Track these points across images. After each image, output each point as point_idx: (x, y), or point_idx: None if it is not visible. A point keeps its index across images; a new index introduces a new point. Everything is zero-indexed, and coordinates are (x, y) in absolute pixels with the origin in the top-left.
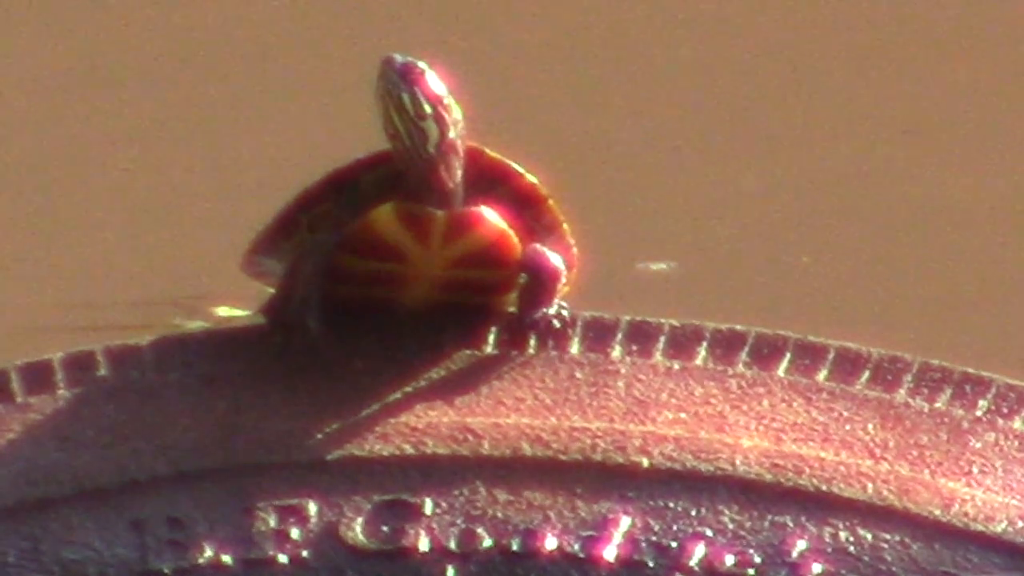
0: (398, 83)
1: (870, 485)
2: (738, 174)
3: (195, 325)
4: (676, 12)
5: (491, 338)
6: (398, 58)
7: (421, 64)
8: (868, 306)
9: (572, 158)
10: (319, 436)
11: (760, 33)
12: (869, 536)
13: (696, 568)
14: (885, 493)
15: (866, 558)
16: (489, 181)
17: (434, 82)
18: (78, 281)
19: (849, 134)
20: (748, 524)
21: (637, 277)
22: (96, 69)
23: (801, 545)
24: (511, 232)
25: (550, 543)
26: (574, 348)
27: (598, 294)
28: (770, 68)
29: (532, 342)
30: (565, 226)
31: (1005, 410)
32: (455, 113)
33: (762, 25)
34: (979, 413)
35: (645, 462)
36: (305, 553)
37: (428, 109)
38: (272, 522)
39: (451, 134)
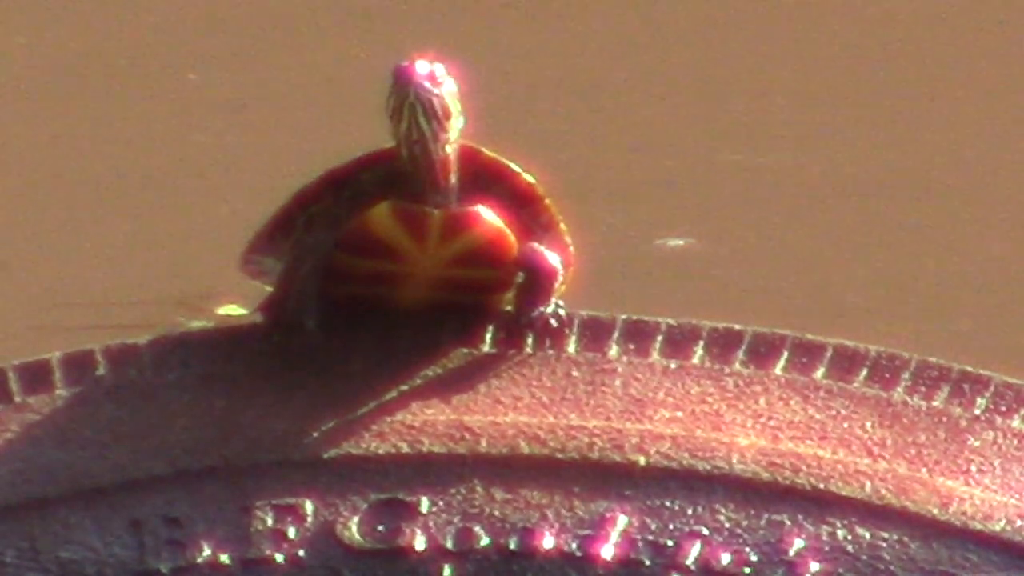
0: (418, 85)
1: (868, 483)
2: (736, 174)
3: (194, 324)
4: (675, 9)
5: (488, 337)
6: (417, 60)
7: (437, 66)
8: (866, 303)
9: (570, 157)
10: (316, 435)
11: (760, 29)
12: (867, 535)
13: (692, 567)
14: (883, 492)
15: (864, 557)
16: (486, 180)
17: (448, 83)
18: (77, 280)
19: (848, 130)
20: (745, 523)
21: (634, 274)
22: (96, 67)
23: (798, 544)
24: (508, 231)
25: (547, 542)
26: (571, 347)
27: (596, 291)
28: (769, 68)
29: (529, 341)
30: (562, 225)
31: (1003, 408)
32: (460, 111)
33: (761, 22)
34: (977, 411)
35: (642, 461)
36: (302, 552)
37: (440, 111)
38: (269, 521)
39: (456, 134)
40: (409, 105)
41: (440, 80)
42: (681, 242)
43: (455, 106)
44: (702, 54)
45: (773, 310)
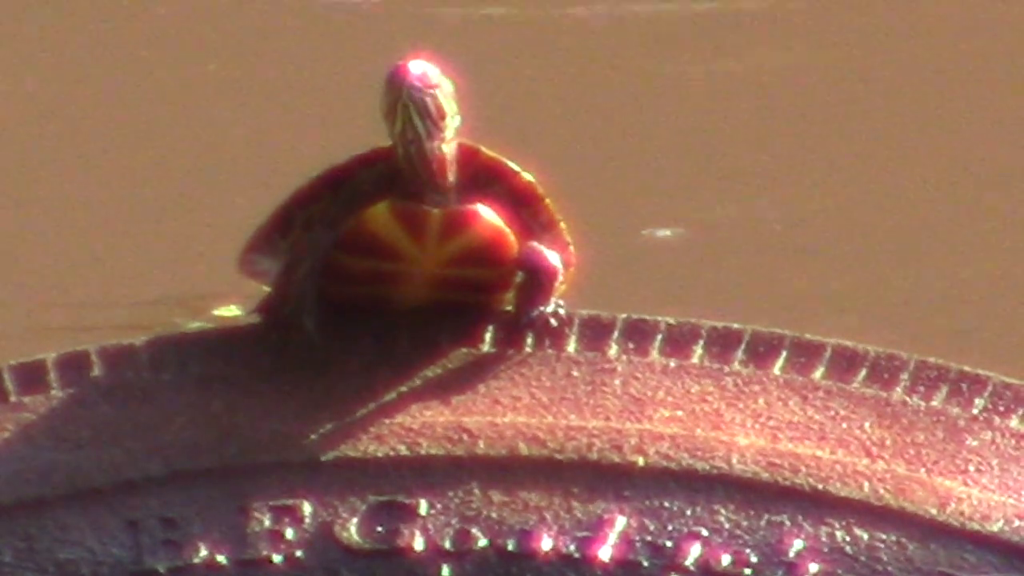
0: (411, 85)
1: (866, 484)
2: (733, 175)
3: (192, 325)
4: (670, 8)
5: (488, 337)
6: (410, 61)
7: (430, 66)
8: (865, 303)
9: (570, 157)
10: (314, 436)
11: (752, 24)
12: (865, 535)
13: (692, 568)
14: (881, 492)
15: (862, 557)
16: (486, 179)
17: (443, 83)
18: (76, 280)
19: (844, 131)
20: (744, 523)
21: (632, 275)
22: (96, 69)
23: (798, 544)
24: (507, 230)
25: (546, 543)
26: (571, 347)
27: (594, 290)
28: (764, 64)
29: (529, 341)
30: (562, 224)
31: (1002, 409)
32: (455, 110)
33: (751, 19)
34: (975, 412)
35: (641, 461)
36: (300, 553)
37: (434, 110)
38: (267, 522)
39: (452, 133)
40: (402, 105)
41: (433, 80)
42: (668, 233)
43: (450, 106)
44: (699, 52)
45: (765, 302)
